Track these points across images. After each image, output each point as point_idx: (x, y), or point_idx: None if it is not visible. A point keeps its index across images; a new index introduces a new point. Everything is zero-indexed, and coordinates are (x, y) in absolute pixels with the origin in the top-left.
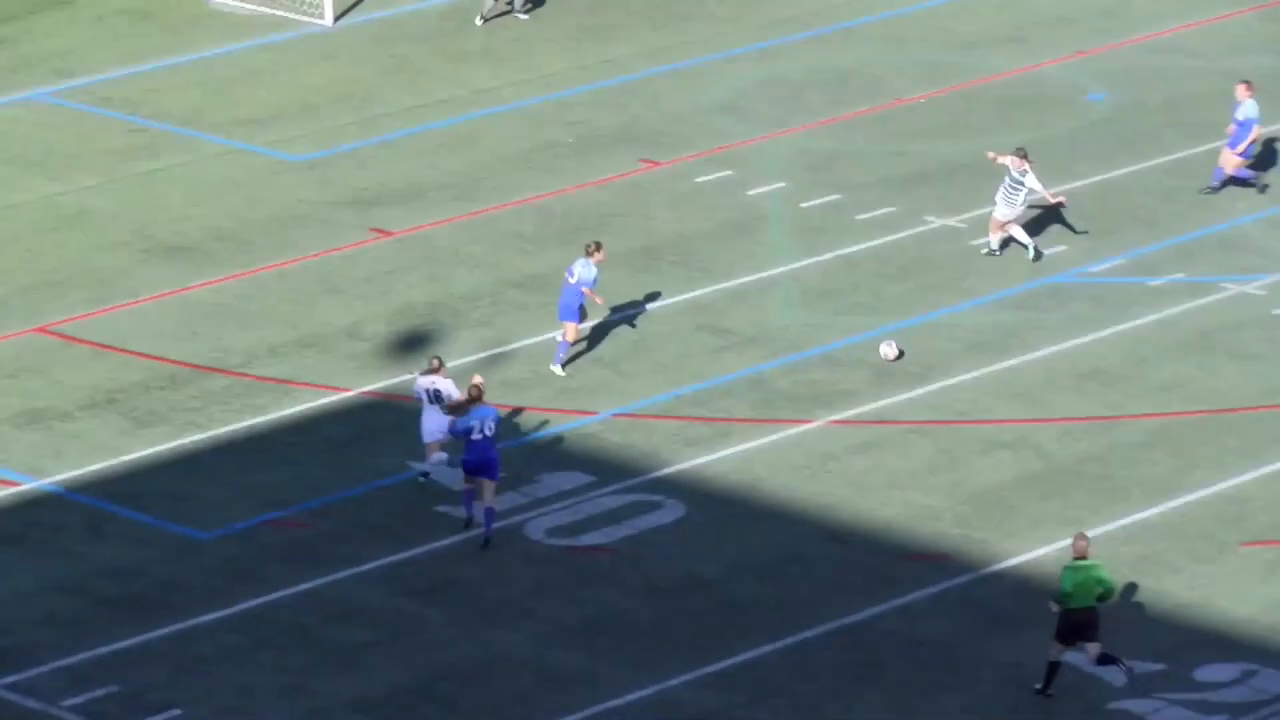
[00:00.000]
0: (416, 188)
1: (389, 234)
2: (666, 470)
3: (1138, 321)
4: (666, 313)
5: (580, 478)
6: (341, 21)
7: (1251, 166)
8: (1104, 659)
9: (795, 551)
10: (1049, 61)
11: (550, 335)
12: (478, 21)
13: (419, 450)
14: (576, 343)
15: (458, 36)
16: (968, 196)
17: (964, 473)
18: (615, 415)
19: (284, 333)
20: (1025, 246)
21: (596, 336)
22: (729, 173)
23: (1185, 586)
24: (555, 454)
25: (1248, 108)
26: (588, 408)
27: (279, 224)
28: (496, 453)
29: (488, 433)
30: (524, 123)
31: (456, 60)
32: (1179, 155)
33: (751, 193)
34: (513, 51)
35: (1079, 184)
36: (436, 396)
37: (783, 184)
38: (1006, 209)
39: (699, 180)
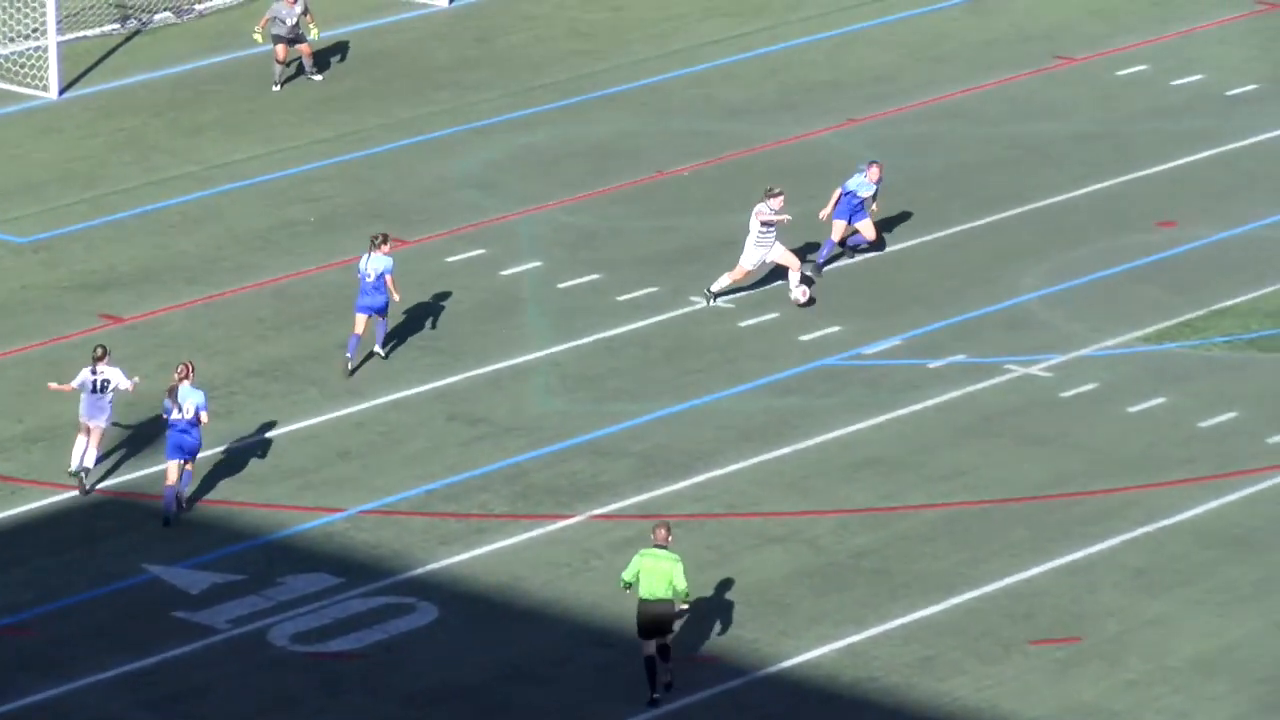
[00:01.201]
0: (148, 270)
1: (119, 320)
2: (419, 570)
3: (916, 406)
4: (416, 401)
5: (326, 579)
6: (68, 94)
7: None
8: (663, 651)
9: (559, 655)
10: (820, 130)
11: (294, 426)
12: (275, 88)
13: (154, 549)
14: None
15: (191, 108)
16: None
17: (734, 569)
18: (363, 512)
19: (9, 427)
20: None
21: (340, 428)
22: (481, 251)
23: (971, 688)
24: (299, 554)
25: (861, 181)
26: (333, 504)
27: (3, 310)
28: (198, 437)
29: (189, 416)
30: (263, 199)
31: (191, 134)
32: (960, 228)
33: (505, 272)
34: (251, 124)
35: (854, 260)
36: (103, 386)
37: (538, 263)
38: (756, 253)
39: (450, 260)
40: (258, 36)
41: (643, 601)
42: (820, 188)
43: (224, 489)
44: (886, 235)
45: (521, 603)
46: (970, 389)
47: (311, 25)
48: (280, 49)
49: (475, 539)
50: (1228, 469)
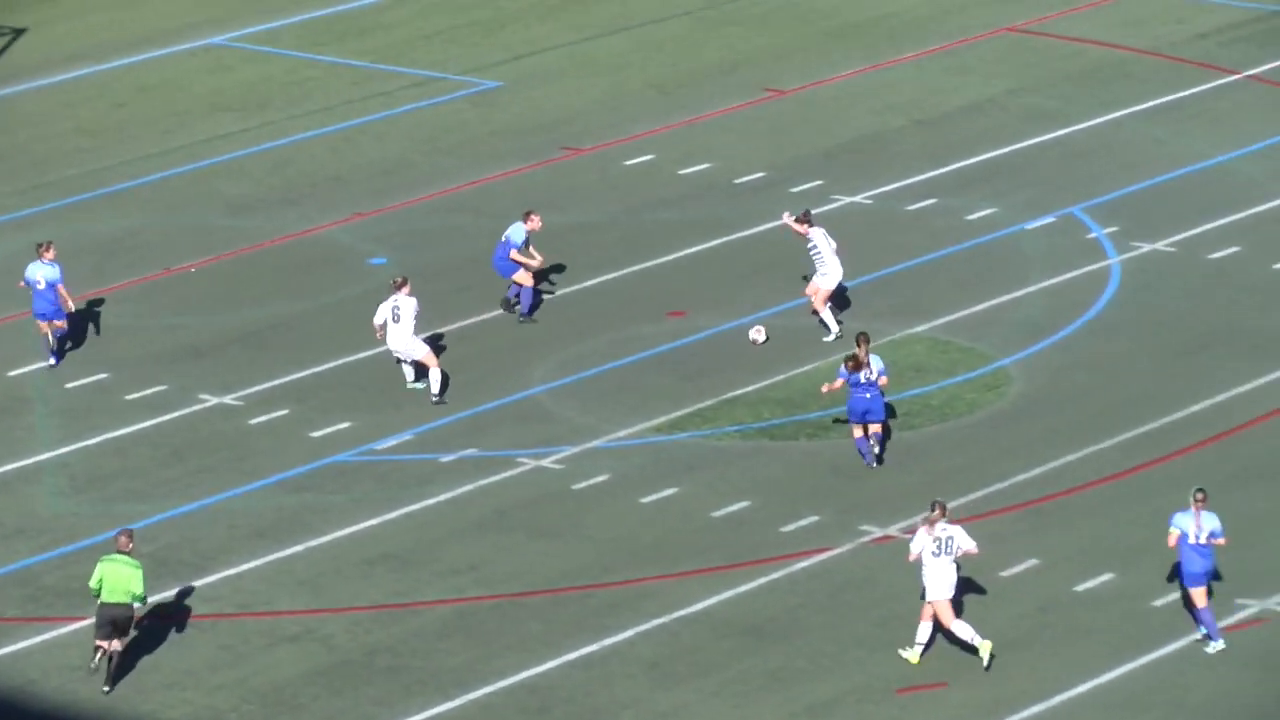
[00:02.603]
0: None
1: None
2: None
3: (429, 501)
4: None
5: None
6: None
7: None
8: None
9: None
10: (327, 224)
11: None
12: None
13: None
14: None
15: None
16: (244, 372)
17: (248, 669)
18: None
19: None
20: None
21: None
22: None
23: None
24: None
25: (518, 231)
26: None
27: None
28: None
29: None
30: None
31: None
32: (470, 320)
33: (12, 373)
34: None
35: (360, 355)
36: None
37: (45, 363)
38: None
39: None
40: None
41: (102, 605)
42: (330, 282)
43: None
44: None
45: (36, 707)
46: (482, 482)
47: None
48: None
49: None
50: (741, 559)
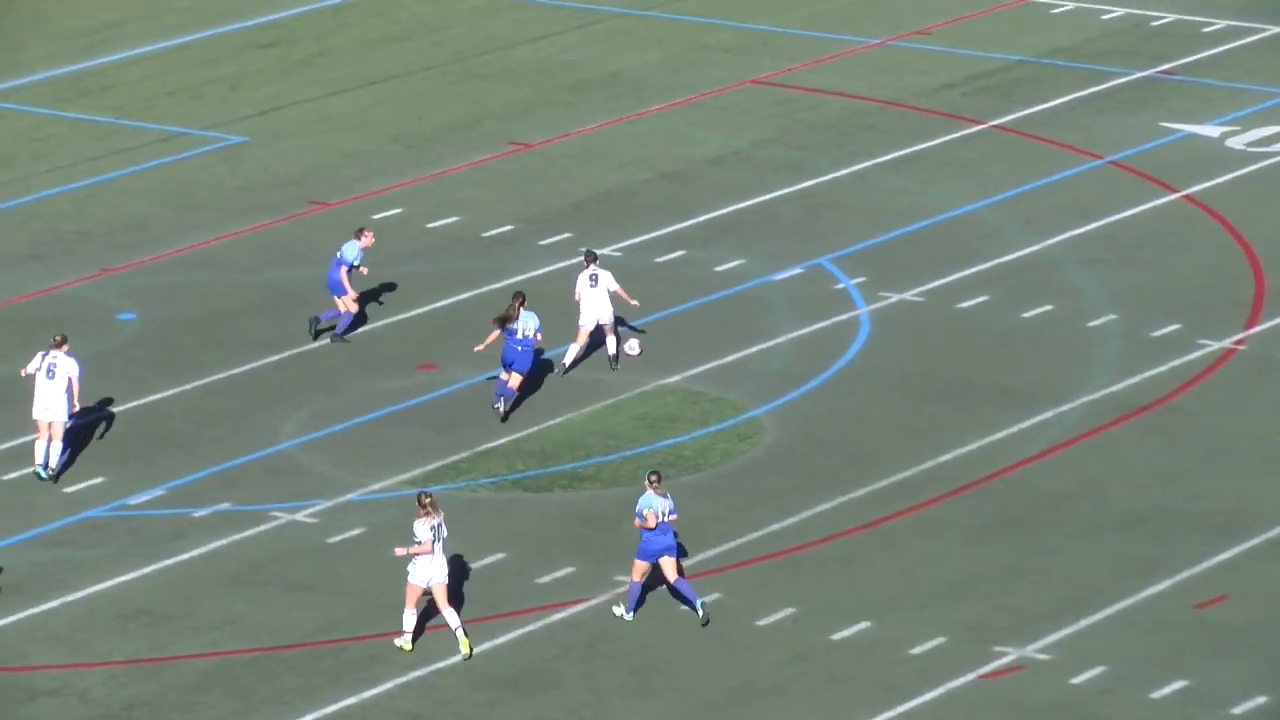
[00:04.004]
0: None
1: None
2: None
3: (183, 556)
4: None
5: None
6: None
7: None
8: None
9: None
10: (74, 280)
11: None
12: None
13: None
14: None
15: None
16: None
17: None
18: None
19: None
20: None
21: None
22: None
23: None
24: None
25: (350, 248)
26: None
27: None
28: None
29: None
30: None
31: None
32: (219, 375)
33: None
34: None
35: (113, 409)
36: None
37: None
38: None
39: None
40: None
41: None
42: (75, 340)
43: None
44: (148, 384)
45: None
46: (236, 537)
47: None
48: None
49: None
50: (498, 610)
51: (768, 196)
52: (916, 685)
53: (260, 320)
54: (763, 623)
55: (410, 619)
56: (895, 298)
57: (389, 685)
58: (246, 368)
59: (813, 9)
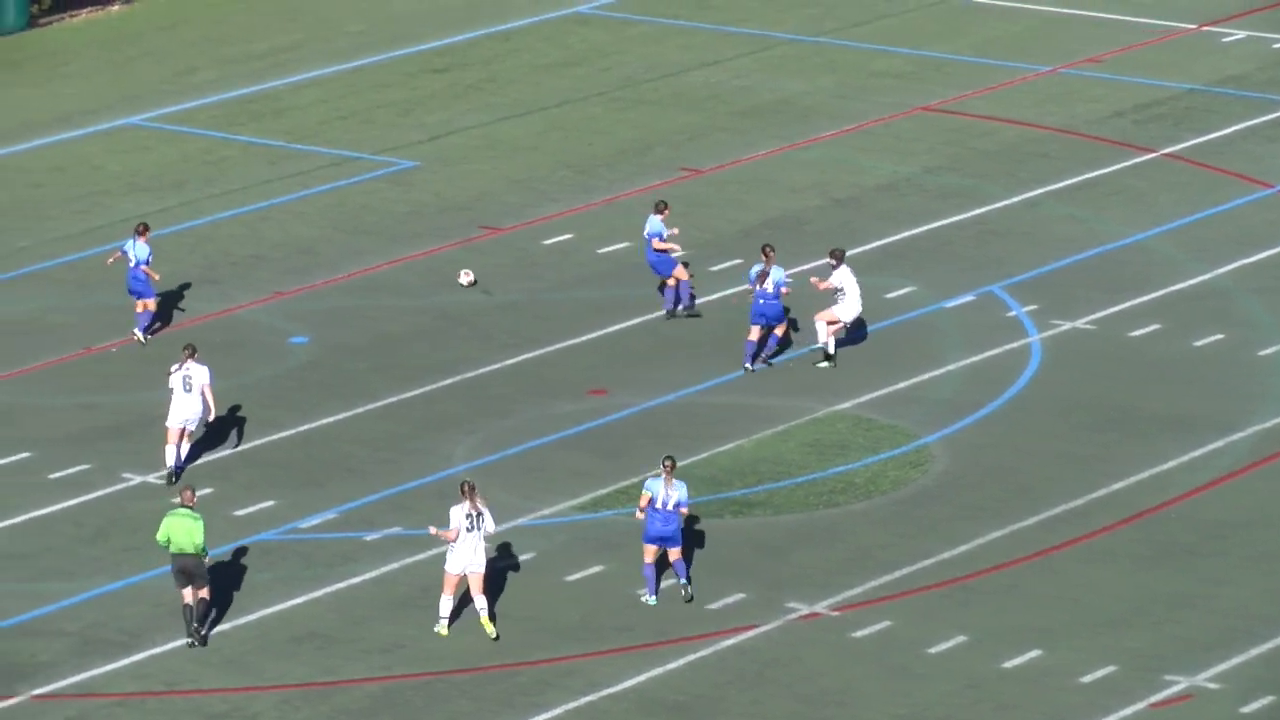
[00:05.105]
0: None
1: None
2: None
3: (354, 580)
4: None
5: None
6: None
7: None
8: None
9: None
10: (245, 304)
11: None
12: None
13: None
14: None
15: None
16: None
17: None
18: None
19: None
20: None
21: None
22: None
23: None
24: None
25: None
26: None
27: None
28: None
29: None
30: None
31: None
32: (391, 399)
33: None
34: None
35: (283, 434)
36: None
37: None
38: None
39: None
40: None
41: (173, 556)
42: (247, 363)
43: None
44: (321, 408)
45: None
46: (407, 560)
47: None
48: None
49: None
50: (667, 636)
51: (939, 224)
52: (1087, 714)
53: (431, 344)
54: (933, 651)
55: (446, 605)
56: (1066, 326)
57: (560, 710)
58: (417, 392)
59: (983, 36)
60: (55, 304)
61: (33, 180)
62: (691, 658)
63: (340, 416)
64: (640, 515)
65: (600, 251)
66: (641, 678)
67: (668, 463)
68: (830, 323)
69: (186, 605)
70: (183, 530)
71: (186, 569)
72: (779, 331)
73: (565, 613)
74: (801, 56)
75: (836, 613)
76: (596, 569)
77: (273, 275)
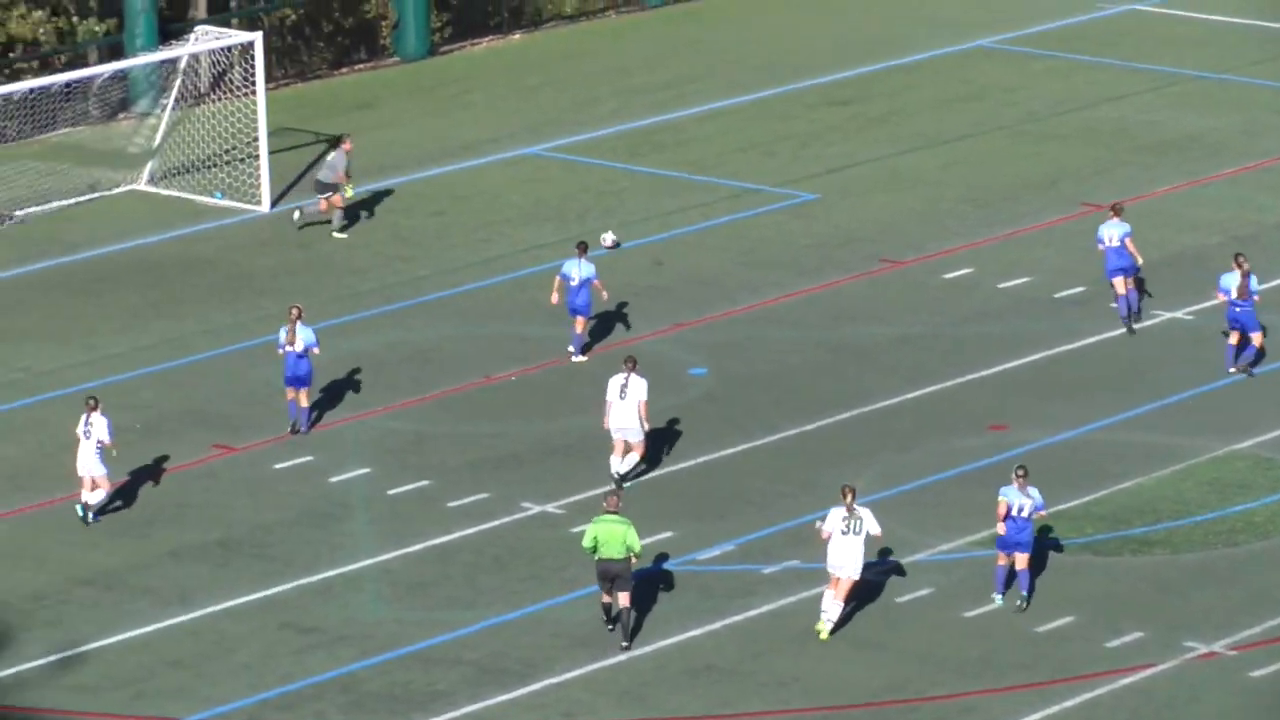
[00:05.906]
0: None
1: None
2: None
3: (752, 612)
4: (247, 610)
5: None
6: None
7: None
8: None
9: None
10: (648, 334)
11: (126, 635)
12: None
13: None
14: None
15: (11, 314)
16: (565, 481)
17: None
18: None
19: None
20: None
21: (173, 636)
22: (309, 458)
23: None
24: None
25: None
26: (166, 713)
27: None
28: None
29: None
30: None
31: (12, 340)
32: (789, 432)
33: (334, 479)
34: (72, 331)
35: (682, 465)
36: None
37: (367, 469)
38: None
39: (277, 467)
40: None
41: (599, 560)
42: (652, 391)
43: (57, 698)
44: (719, 440)
45: None
46: (804, 594)
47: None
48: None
49: None
50: (1066, 674)
51: None
52: None
53: (831, 378)
54: None
55: (829, 602)
56: None
57: None
58: (816, 425)
59: None
60: (456, 332)
61: (436, 207)
62: (1088, 695)
63: (740, 448)
64: (1001, 529)
65: (1001, 286)
66: (1039, 715)
67: (1020, 471)
68: None
69: (606, 603)
70: (613, 536)
71: (611, 573)
72: (1255, 341)
73: (965, 648)
74: (1207, 93)
75: (1234, 652)
76: (995, 605)
77: (674, 306)
